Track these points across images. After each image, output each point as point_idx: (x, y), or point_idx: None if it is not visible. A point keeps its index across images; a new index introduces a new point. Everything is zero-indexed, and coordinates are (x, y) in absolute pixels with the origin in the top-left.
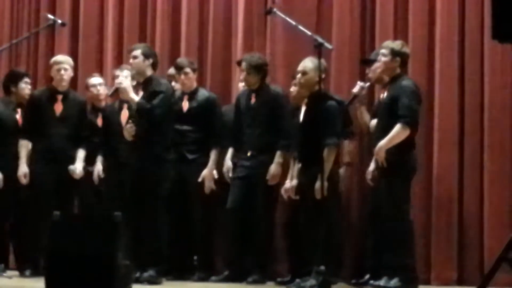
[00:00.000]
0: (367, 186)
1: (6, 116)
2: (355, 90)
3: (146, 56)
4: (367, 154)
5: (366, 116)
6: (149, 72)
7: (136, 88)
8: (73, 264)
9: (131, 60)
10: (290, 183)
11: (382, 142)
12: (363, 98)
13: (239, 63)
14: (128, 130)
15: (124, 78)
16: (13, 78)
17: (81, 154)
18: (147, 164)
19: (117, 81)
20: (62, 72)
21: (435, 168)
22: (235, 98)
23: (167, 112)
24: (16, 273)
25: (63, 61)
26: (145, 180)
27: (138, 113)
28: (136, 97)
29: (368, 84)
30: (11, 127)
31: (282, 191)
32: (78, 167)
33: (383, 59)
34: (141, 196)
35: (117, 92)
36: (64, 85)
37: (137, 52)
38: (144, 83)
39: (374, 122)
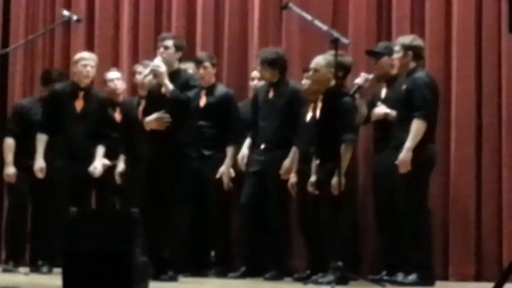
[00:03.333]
0: (384, 180)
1: (33, 115)
2: (360, 81)
3: (177, 48)
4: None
5: (364, 108)
6: (176, 64)
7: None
8: (90, 261)
9: (161, 49)
10: (295, 177)
11: (407, 145)
12: (364, 90)
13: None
14: (164, 120)
15: (162, 63)
16: (44, 78)
17: (100, 151)
18: (171, 159)
19: (154, 63)
20: (89, 68)
21: (452, 163)
22: (253, 93)
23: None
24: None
25: (90, 58)
26: (168, 176)
27: (172, 102)
28: (171, 85)
29: (372, 76)
30: (37, 126)
31: (289, 186)
32: (97, 166)
33: (396, 56)
34: (163, 193)
35: (152, 74)
36: (87, 81)
37: (170, 43)
38: (171, 75)
39: (379, 109)
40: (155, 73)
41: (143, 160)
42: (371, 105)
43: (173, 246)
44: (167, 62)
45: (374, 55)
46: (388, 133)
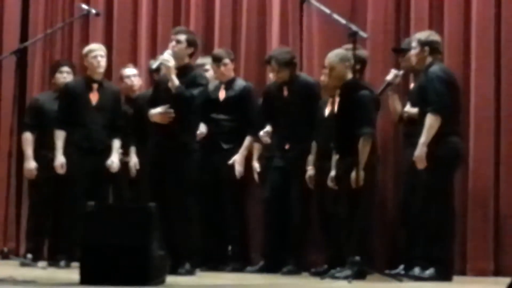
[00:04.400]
0: (402, 174)
1: (48, 108)
2: (389, 77)
3: (189, 44)
4: (402, 143)
5: (398, 105)
6: (186, 59)
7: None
8: (108, 255)
9: (173, 43)
10: (312, 170)
11: (422, 140)
12: (396, 86)
13: (268, 62)
14: (168, 114)
15: (171, 57)
16: (51, 69)
17: (116, 144)
18: (173, 154)
19: (163, 57)
20: (99, 58)
21: (471, 159)
22: (264, 91)
23: (201, 104)
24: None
25: (98, 49)
26: (170, 172)
27: (176, 98)
28: (177, 81)
29: (402, 72)
30: (54, 119)
31: (307, 179)
32: (114, 160)
33: (413, 52)
34: (169, 187)
35: (159, 69)
36: (101, 71)
37: (182, 37)
38: (180, 70)
39: (407, 109)
40: (163, 66)
41: (148, 154)
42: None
43: (188, 240)
44: (177, 56)
45: (401, 52)
46: (415, 128)
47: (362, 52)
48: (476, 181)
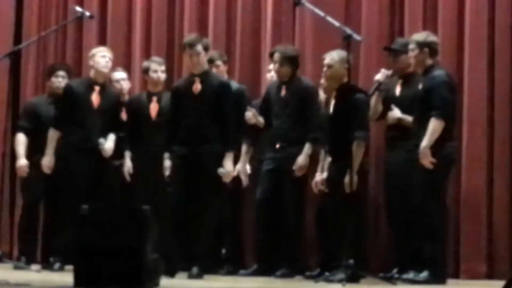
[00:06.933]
0: (398, 177)
1: (43, 112)
2: (380, 77)
3: (206, 49)
4: (387, 146)
5: (380, 105)
6: (206, 65)
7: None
8: (102, 258)
9: (194, 58)
10: (320, 176)
11: (424, 144)
12: (384, 86)
13: (271, 55)
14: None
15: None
16: (47, 73)
17: (112, 136)
18: (209, 155)
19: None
20: (107, 59)
21: (464, 160)
22: (265, 90)
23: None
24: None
25: (107, 51)
26: (203, 173)
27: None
28: (231, 165)
29: (391, 72)
30: (48, 123)
31: (313, 184)
32: (108, 143)
33: (412, 54)
34: (201, 188)
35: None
36: (106, 72)
37: (200, 48)
38: (201, 76)
39: (394, 114)
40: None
41: (153, 158)
42: (386, 102)
43: (204, 242)
44: (200, 66)
45: (392, 51)
46: (402, 131)
47: (350, 57)
48: (469, 183)
